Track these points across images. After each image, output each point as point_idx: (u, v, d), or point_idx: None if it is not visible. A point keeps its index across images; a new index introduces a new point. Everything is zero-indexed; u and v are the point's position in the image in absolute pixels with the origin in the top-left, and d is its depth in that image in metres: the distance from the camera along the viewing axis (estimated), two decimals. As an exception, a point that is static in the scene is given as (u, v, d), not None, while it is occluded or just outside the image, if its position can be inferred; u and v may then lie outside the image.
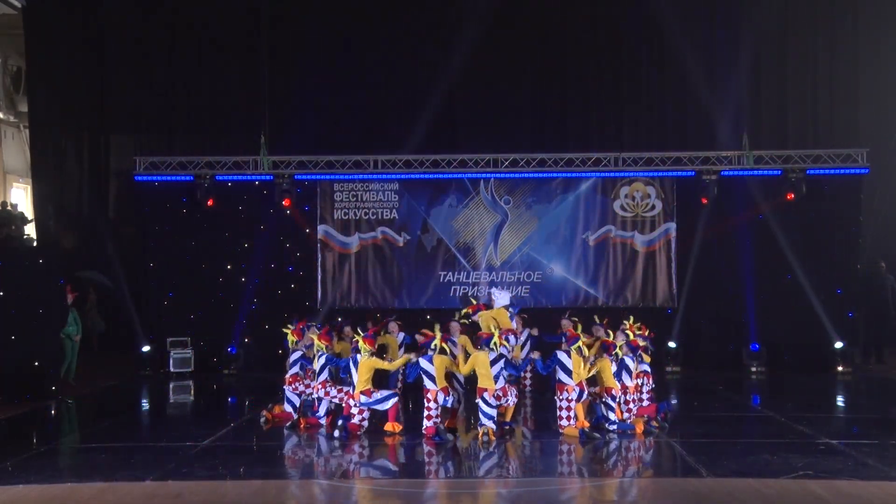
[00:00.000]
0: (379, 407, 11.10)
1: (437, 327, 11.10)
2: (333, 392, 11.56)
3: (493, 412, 10.74)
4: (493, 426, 10.71)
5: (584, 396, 10.93)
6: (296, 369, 11.93)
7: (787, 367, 16.50)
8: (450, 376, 11.17)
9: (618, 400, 11.05)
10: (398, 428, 11.04)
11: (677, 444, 10.45)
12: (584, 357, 10.88)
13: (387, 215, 17.29)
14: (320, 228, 17.27)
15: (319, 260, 17.26)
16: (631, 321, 11.85)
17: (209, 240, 17.01)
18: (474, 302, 13.96)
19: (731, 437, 10.84)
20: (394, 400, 11.11)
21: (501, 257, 17.28)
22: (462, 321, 13.09)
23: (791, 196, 16.44)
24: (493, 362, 10.75)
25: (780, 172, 16.55)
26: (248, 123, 18.23)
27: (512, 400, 10.97)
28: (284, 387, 11.99)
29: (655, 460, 10.23)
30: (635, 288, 17.14)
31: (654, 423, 11.05)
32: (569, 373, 10.72)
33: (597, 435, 10.68)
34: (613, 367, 11.06)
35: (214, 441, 10.77)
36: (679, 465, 9.73)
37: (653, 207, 17.15)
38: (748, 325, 16.65)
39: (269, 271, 17.12)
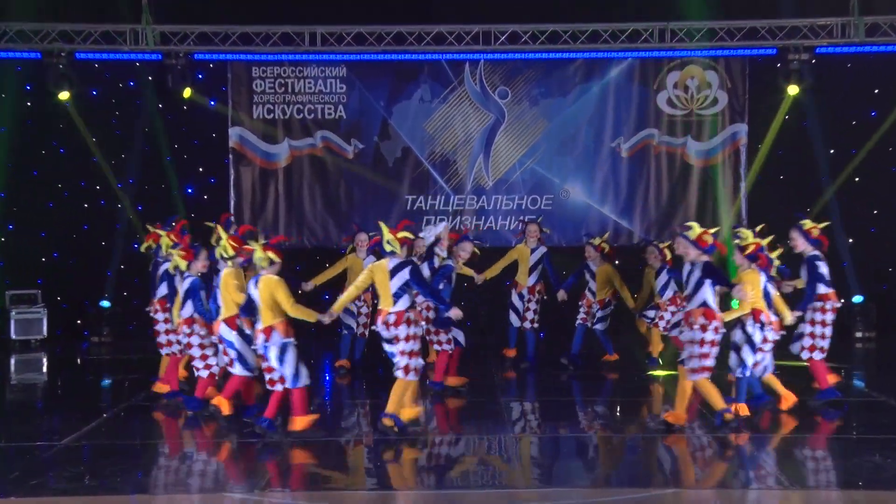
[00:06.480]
0: (276, 374, 9.95)
1: (382, 224, 10.45)
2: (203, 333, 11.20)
3: (394, 349, 10.05)
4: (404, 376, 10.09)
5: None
6: (164, 291, 11.79)
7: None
8: None
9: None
10: (307, 420, 9.97)
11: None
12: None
13: (330, 114, 17.32)
14: (233, 132, 17.25)
15: (232, 177, 17.30)
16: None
17: (68, 146, 16.91)
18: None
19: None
20: (305, 379, 9.93)
21: (495, 175, 17.37)
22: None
23: None
24: (393, 271, 9.99)
25: (902, 49, 16.67)
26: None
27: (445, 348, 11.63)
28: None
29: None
30: (688, 218, 16.54)
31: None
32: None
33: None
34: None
35: (78, 439, 10.65)
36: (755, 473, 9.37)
37: (714, 102, 17.15)
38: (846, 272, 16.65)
39: (159, 193, 16.92)
